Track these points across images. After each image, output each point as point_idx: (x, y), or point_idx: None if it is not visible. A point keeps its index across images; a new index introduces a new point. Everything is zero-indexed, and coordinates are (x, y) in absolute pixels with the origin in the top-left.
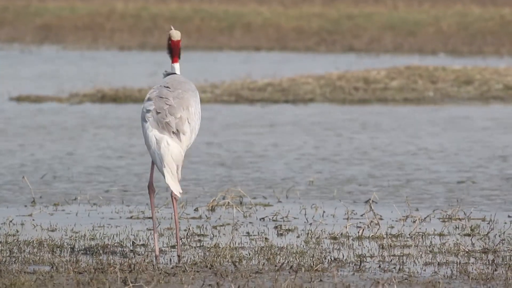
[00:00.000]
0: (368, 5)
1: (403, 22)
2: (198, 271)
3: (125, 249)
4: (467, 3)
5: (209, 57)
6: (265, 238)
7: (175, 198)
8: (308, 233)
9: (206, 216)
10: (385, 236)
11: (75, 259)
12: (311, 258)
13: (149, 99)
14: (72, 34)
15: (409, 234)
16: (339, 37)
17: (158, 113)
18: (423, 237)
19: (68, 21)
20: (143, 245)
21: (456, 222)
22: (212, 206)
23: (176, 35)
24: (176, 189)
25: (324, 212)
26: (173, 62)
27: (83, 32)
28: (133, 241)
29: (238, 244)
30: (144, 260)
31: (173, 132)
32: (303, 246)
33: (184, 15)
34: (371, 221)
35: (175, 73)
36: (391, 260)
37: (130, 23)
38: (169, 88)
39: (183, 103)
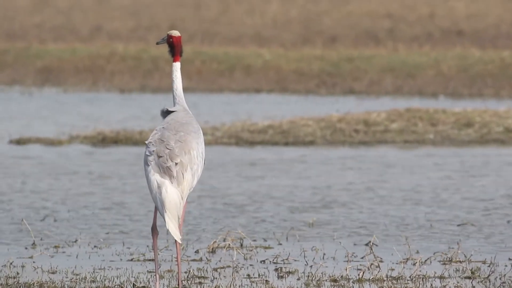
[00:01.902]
0: (368, 48)
1: (403, 65)
2: None
3: None
4: (467, 45)
5: (210, 99)
6: (266, 280)
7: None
8: (308, 276)
9: (206, 258)
10: (385, 278)
11: None
12: None
13: (151, 142)
14: (73, 76)
15: (410, 277)
16: (339, 80)
17: (159, 157)
18: (424, 279)
19: (69, 64)
20: (143, 287)
21: (457, 265)
22: (212, 248)
23: (176, 32)
24: (176, 235)
25: (324, 254)
26: (174, 60)
27: (84, 74)
28: (133, 284)
29: (239, 286)
30: None
31: (173, 177)
32: None
33: (185, 57)
34: (372, 264)
35: (175, 111)
36: None
37: (130, 65)
38: (171, 130)
39: (185, 147)
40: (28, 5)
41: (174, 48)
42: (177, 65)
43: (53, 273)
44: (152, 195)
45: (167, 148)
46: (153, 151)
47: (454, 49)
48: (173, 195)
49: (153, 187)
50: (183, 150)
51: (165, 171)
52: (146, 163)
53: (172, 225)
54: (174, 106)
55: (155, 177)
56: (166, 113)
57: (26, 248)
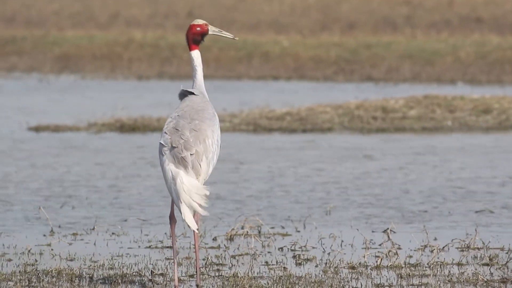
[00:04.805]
0: (386, 35)
1: (421, 51)
2: None
3: (143, 279)
4: (486, 32)
5: (228, 86)
6: (284, 267)
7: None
8: (326, 263)
9: (224, 245)
10: (403, 265)
11: None
12: None
13: (165, 132)
14: (90, 63)
15: (428, 264)
16: (357, 66)
17: (174, 147)
18: (442, 266)
19: (86, 51)
20: (161, 274)
21: (475, 252)
22: (230, 236)
23: (195, 20)
24: (193, 225)
25: (342, 241)
26: (190, 49)
27: (101, 62)
28: (151, 271)
29: (257, 273)
30: None
31: (188, 167)
32: (322, 275)
33: (203, 44)
34: (390, 251)
35: (192, 93)
36: None
37: (148, 53)
38: (186, 118)
39: (200, 136)
40: None
41: (187, 37)
42: (193, 54)
43: (71, 260)
44: (167, 185)
45: (182, 138)
46: (168, 139)
47: (473, 36)
48: (189, 185)
49: (168, 177)
50: (198, 139)
51: (180, 161)
52: (161, 153)
53: (188, 215)
54: (192, 88)
55: (170, 167)
56: (183, 95)
57: (44, 235)
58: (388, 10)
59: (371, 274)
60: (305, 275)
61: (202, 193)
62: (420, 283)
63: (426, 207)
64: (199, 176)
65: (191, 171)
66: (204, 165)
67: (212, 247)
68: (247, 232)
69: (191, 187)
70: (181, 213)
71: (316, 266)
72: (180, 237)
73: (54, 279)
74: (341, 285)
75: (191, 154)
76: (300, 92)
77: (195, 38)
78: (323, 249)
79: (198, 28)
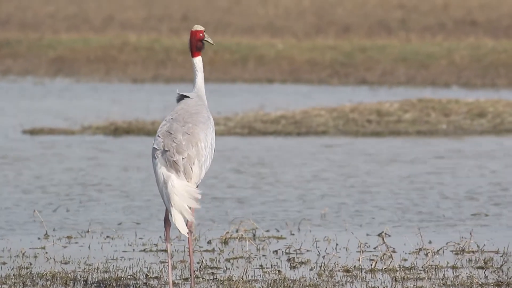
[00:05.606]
0: (381, 38)
1: (416, 55)
2: None
3: (138, 282)
4: (480, 35)
5: (222, 89)
6: (278, 271)
7: (190, 230)
8: (321, 266)
9: (219, 249)
10: (398, 268)
11: None
12: None
13: (158, 135)
14: (85, 66)
15: (422, 267)
16: (352, 70)
17: (166, 151)
18: (436, 270)
19: (81, 54)
20: (156, 277)
21: (469, 255)
22: (225, 239)
23: (198, 26)
24: (183, 229)
25: (337, 244)
26: (192, 56)
27: (96, 65)
28: (146, 274)
29: (251, 277)
30: None
31: (180, 171)
32: (316, 279)
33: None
34: (384, 254)
35: (188, 96)
36: None
37: (143, 56)
38: (180, 121)
39: (192, 140)
40: None
41: (191, 44)
42: (195, 61)
43: (65, 263)
44: (158, 188)
45: (174, 142)
46: (161, 142)
47: (467, 39)
48: (179, 189)
49: (159, 180)
50: (190, 143)
51: (172, 165)
52: (154, 156)
53: (179, 219)
54: (191, 92)
55: (162, 170)
56: (178, 100)
57: (38, 239)
58: (383, 14)
59: (365, 277)
60: (299, 279)
61: (193, 196)
62: (414, 286)
63: (421, 210)
64: (190, 180)
65: (183, 174)
66: (196, 168)
67: (206, 250)
68: (242, 235)
69: (182, 190)
70: (171, 217)
71: (311, 269)
72: (175, 241)
73: (48, 283)
74: None
75: (183, 158)
76: (295, 95)
77: (198, 45)
78: (318, 252)
79: (201, 34)
